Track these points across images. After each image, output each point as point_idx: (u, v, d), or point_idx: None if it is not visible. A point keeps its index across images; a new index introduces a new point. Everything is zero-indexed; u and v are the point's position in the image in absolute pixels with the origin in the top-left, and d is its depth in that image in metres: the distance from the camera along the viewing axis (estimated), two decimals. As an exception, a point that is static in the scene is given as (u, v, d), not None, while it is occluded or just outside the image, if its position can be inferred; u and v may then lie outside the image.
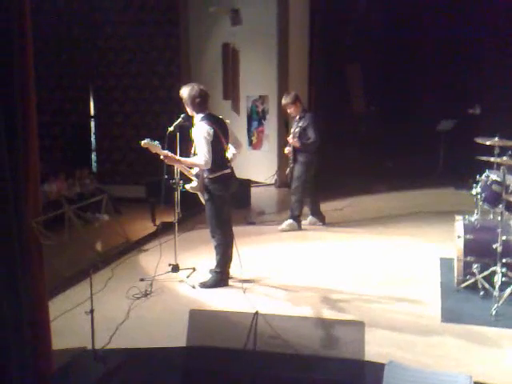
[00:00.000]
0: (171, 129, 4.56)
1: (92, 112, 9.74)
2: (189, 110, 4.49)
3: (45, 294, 2.69)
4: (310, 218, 6.56)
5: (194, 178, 4.49)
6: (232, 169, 4.55)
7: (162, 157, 4.38)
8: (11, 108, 2.44)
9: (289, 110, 6.23)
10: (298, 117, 6.18)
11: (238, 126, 8.69)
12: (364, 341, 2.54)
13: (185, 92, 4.44)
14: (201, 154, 4.29)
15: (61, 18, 9.29)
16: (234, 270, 4.65)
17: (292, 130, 6.24)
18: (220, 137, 4.40)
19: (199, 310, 2.93)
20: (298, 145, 6.10)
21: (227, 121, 4.62)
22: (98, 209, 6.70)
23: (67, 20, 9.38)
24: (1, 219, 2.32)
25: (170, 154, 4.38)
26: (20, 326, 2.38)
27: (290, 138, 6.19)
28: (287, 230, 6.33)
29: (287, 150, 6.33)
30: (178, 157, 4.43)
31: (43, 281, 2.63)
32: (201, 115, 4.43)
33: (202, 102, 4.40)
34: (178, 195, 4.82)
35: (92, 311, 3.10)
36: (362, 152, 10.13)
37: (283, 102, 6.21)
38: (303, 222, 6.47)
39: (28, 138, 2.56)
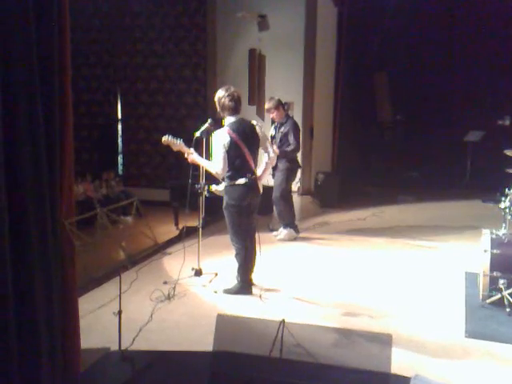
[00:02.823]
0: (198, 134, 4.54)
1: (119, 115, 9.88)
2: (220, 112, 4.42)
3: (76, 295, 2.74)
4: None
5: (222, 180, 4.41)
6: (252, 179, 4.31)
7: (186, 154, 4.37)
8: (50, 106, 2.51)
9: (271, 115, 6.31)
10: (280, 122, 6.24)
11: (262, 131, 8.71)
12: (391, 353, 2.52)
13: (217, 94, 4.39)
14: (214, 160, 4.25)
15: (90, 22, 9.49)
16: (254, 277, 4.65)
17: (272, 135, 6.27)
18: (240, 145, 4.23)
19: (226, 315, 2.93)
20: (277, 151, 6.10)
21: (259, 124, 4.44)
22: (123, 211, 6.83)
23: (96, 23, 9.57)
24: (37, 217, 2.37)
25: (193, 152, 4.37)
26: (52, 327, 2.42)
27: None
28: (286, 239, 6.28)
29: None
30: (198, 157, 4.42)
31: (75, 281, 2.68)
32: (228, 120, 4.33)
33: (229, 104, 4.28)
34: (202, 200, 4.85)
35: (120, 312, 3.13)
36: (387, 161, 10.04)
37: (266, 106, 6.33)
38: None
39: (65, 137, 2.63)
